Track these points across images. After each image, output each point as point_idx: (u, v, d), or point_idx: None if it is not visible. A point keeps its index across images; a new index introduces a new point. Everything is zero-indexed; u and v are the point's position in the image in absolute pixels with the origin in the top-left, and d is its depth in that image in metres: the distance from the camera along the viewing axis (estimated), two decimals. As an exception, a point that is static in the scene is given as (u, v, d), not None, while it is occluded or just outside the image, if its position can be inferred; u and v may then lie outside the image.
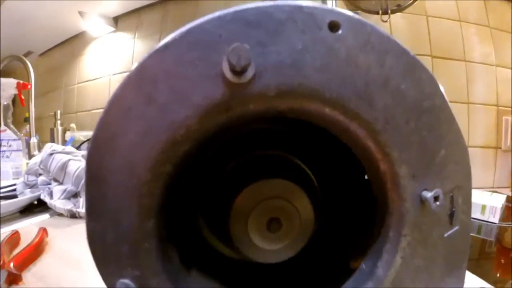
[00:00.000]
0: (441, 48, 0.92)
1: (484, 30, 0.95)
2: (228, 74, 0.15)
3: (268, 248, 0.23)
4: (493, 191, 0.71)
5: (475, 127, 0.92)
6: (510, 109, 0.93)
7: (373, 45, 0.18)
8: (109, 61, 1.27)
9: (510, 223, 0.58)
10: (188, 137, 0.16)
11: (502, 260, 0.38)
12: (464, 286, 0.25)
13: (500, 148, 0.94)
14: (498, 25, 0.96)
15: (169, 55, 0.15)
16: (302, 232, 0.24)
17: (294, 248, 0.24)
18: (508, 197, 0.73)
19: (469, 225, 0.23)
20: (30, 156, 1.03)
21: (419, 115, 0.19)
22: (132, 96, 0.16)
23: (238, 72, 0.15)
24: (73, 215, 0.55)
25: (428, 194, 0.19)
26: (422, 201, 0.19)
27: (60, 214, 0.56)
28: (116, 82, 1.24)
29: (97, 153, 0.17)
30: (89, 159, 0.17)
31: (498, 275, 0.30)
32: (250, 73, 0.15)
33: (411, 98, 0.19)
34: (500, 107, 0.95)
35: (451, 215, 0.22)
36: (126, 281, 0.18)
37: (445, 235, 0.21)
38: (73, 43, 1.40)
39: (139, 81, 0.16)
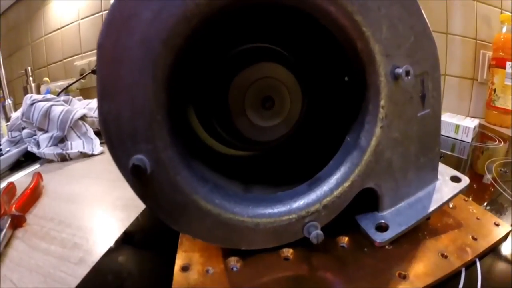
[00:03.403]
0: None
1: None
2: None
3: (265, 125, 0.25)
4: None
5: (453, 57, 0.93)
6: (488, 44, 0.94)
7: None
8: (76, 6, 1.16)
9: (483, 143, 0.61)
10: (197, 13, 0.18)
11: (474, 185, 0.39)
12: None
13: (477, 80, 0.96)
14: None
15: None
16: (293, 108, 0.25)
17: (288, 124, 0.25)
18: (481, 124, 0.76)
19: (439, 112, 0.25)
20: (8, 119, 0.97)
21: (389, 5, 0.21)
22: None
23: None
24: (63, 158, 0.56)
25: (400, 70, 0.21)
26: (396, 77, 0.21)
27: (50, 161, 0.56)
28: (86, 26, 1.15)
29: (113, 34, 0.17)
30: (103, 42, 0.17)
31: (470, 198, 0.31)
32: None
33: (382, -10, 0.20)
34: (478, 41, 0.96)
35: (423, 98, 0.24)
36: (140, 156, 0.18)
37: (418, 114, 0.24)
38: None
39: None
